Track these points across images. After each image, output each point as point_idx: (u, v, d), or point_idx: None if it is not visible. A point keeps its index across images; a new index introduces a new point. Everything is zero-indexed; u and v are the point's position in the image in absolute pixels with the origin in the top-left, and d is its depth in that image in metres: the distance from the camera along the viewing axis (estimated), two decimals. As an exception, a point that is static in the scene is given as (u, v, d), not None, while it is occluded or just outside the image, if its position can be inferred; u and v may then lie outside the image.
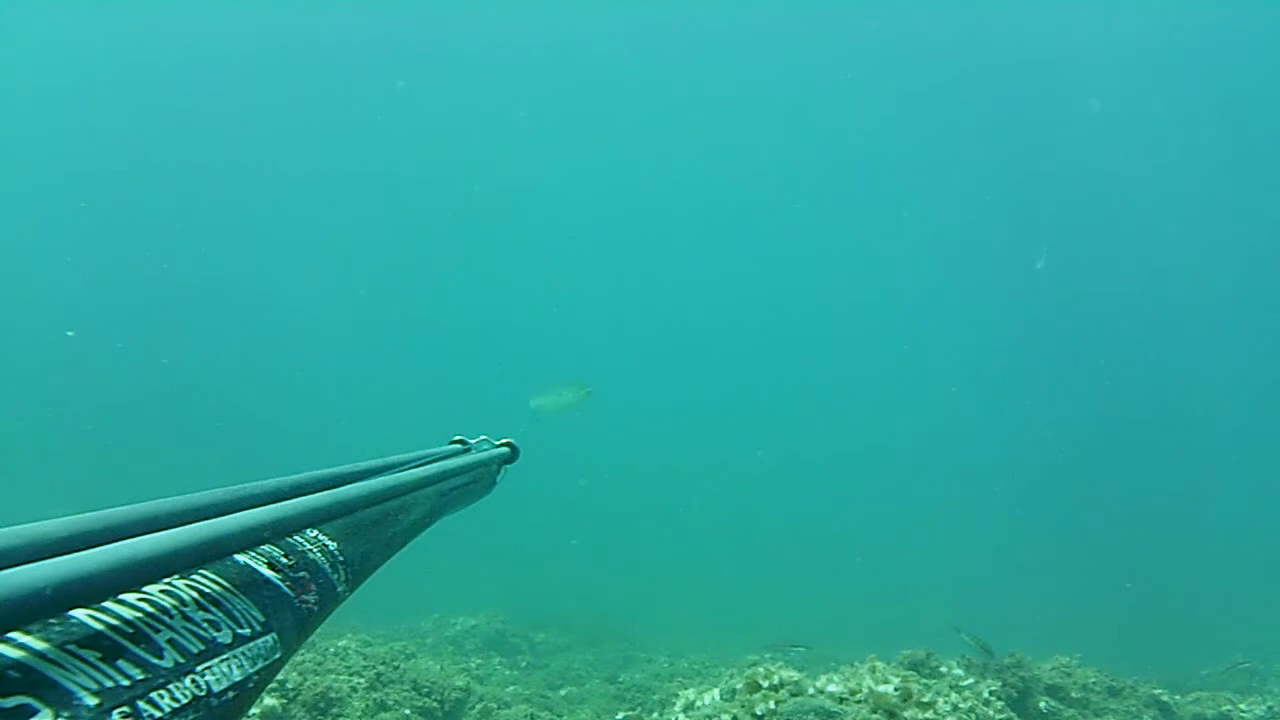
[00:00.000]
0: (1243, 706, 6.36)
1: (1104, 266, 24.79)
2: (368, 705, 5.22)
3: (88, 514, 0.60)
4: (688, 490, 22.50)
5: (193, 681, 0.52)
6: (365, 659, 5.86)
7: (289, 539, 0.74)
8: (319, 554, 0.76)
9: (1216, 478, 21.61)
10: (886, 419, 26.17)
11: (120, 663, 0.47)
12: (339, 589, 0.78)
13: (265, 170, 26.39)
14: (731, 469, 23.79)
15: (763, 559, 16.64)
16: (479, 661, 8.62)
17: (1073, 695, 5.56)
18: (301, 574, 0.72)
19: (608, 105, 26.49)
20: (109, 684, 0.46)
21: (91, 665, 0.45)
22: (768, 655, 6.77)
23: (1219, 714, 6.24)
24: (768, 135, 26.32)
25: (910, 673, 4.95)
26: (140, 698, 0.47)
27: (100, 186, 25.04)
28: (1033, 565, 16.29)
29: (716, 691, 5.17)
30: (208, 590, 0.59)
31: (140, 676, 0.48)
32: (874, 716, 3.98)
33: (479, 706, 5.95)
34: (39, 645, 0.44)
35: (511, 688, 7.58)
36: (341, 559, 0.80)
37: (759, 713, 4.15)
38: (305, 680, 5.08)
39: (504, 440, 1.52)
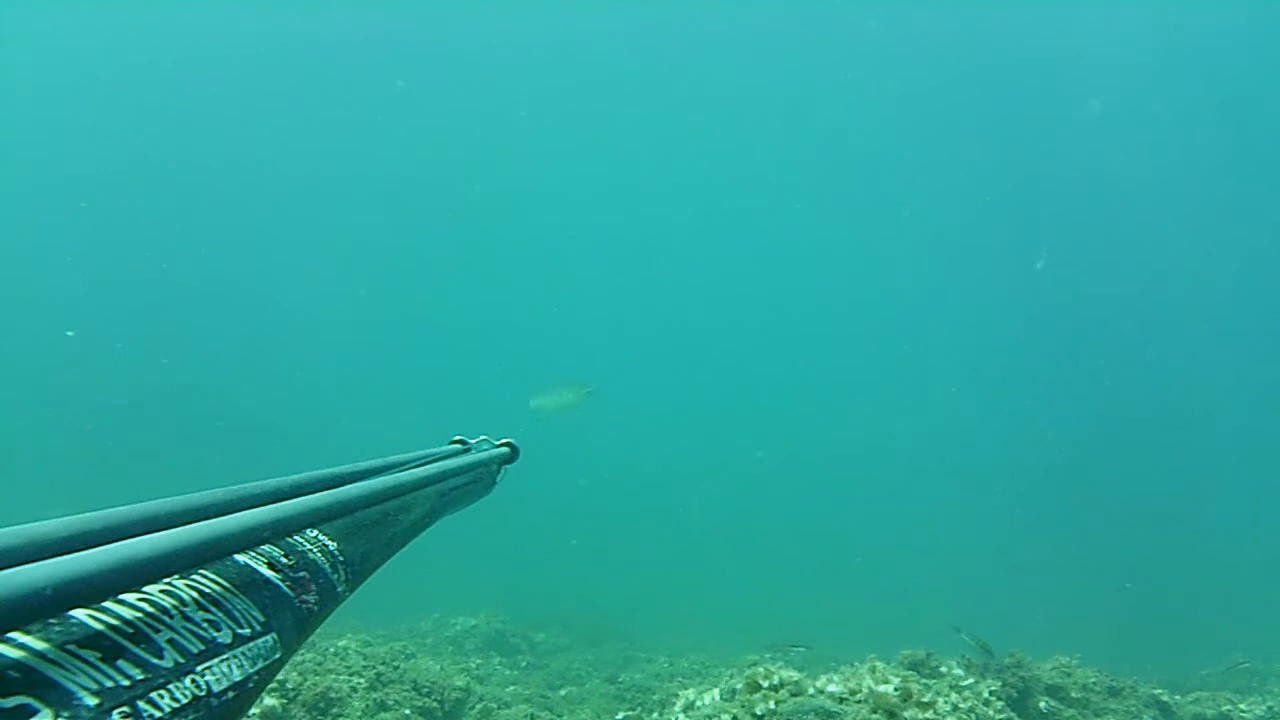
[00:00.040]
0: (1243, 706, 6.36)
1: (1104, 266, 24.80)
2: (368, 705, 5.22)
3: (88, 514, 0.60)
4: (688, 490, 22.51)
5: (193, 681, 0.52)
6: (365, 659, 5.86)
7: (289, 539, 0.74)
8: (319, 554, 0.76)
9: (1216, 478, 21.62)
10: (886, 419, 26.18)
11: (120, 663, 0.47)
12: (339, 589, 0.78)
13: (265, 170, 26.40)
14: (731, 469, 23.80)
15: (763, 559, 16.64)
16: (479, 661, 8.62)
17: (1073, 695, 5.56)
18: (301, 574, 0.72)
19: (608, 105, 26.49)
20: (109, 684, 0.46)
21: (91, 665, 0.45)
22: (768, 655, 6.77)
23: (1219, 714, 6.24)
24: (768, 135, 26.33)
25: (910, 673, 4.95)
26: (140, 698, 0.47)
27: (100, 186, 25.05)
28: (1033, 565, 16.29)
29: (716, 691, 5.17)
30: (208, 590, 0.59)
31: (140, 676, 0.48)
32: (874, 717, 3.98)
33: (479, 706, 5.95)
34: (39, 645, 0.44)
35: (511, 688, 7.58)
36: (341, 559, 0.80)
37: (759, 713, 4.15)
38: (305, 680, 5.08)
39: (504, 440, 1.52)
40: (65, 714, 0.42)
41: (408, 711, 5.31)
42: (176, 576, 0.58)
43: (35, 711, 0.41)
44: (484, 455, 1.39)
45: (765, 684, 4.36)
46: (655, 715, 6.17)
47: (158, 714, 0.47)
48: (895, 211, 26.34)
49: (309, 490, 0.85)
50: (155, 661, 0.50)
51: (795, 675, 4.43)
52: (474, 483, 1.30)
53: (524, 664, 8.82)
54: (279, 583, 0.68)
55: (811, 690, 4.30)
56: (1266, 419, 22.52)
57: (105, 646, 0.47)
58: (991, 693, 4.91)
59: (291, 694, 4.93)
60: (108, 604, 0.50)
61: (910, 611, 11.41)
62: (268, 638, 0.62)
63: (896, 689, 4.19)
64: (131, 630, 0.50)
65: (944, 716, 4.16)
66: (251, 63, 24.42)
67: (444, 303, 29.44)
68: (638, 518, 20.54)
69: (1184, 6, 20.11)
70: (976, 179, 25.45)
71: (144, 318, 25.15)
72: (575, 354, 29.33)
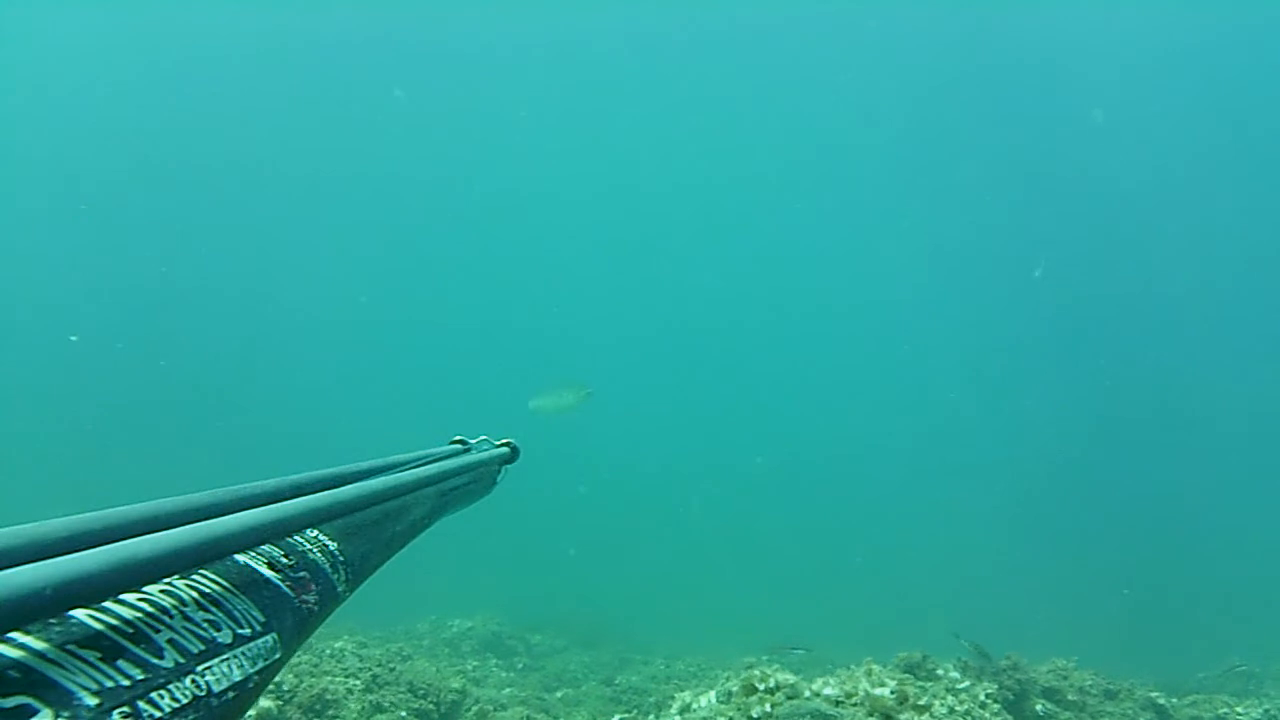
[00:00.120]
0: (1239, 709, 6.38)
1: (1103, 269, 24.90)
2: (364, 707, 5.20)
3: (88, 514, 0.60)
4: (687, 491, 22.51)
5: (193, 681, 0.52)
6: (361, 661, 5.84)
7: (289, 539, 0.74)
8: (319, 554, 0.76)
9: (1216, 478, 21.66)
10: (886, 422, 26.23)
11: (120, 663, 0.47)
12: (339, 589, 0.78)
13: (265, 171, 26.39)
14: (731, 471, 23.80)
15: (761, 561, 16.64)
16: (475, 663, 8.60)
17: (1069, 698, 5.57)
18: (302, 574, 0.71)
19: (607, 106, 26.52)
20: (109, 684, 0.45)
21: (91, 665, 0.45)
22: (765, 658, 6.77)
23: (1215, 717, 6.26)
24: (768, 137, 26.39)
25: (906, 675, 4.96)
26: (140, 698, 0.47)
27: (100, 188, 25.04)
28: (1031, 567, 16.32)
29: (713, 694, 5.17)
30: (208, 590, 0.59)
31: (140, 676, 0.48)
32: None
33: (475, 708, 5.94)
34: (39, 645, 0.44)
35: (508, 690, 7.57)
36: (342, 559, 0.79)
37: (755, 715, 4.14)
38: (301, 682, 5.07)
39: (504, 440, 1.52)
40: (65, 714, 0.42)
41: (404, 713, 5.30)
42: (176, 576, 0.57)
43: (35, 711, 0.41)
44: (484, 455, 1.39)
45: (761, 687, 4.36)
46: (651, 717, 6.16)
47: (158, 714, 0.47)
48: (896, 214, 26.41)
49: (309, 490, 0.85)
50: (155, 661, 0.50)
51: (791, 678, 4.43)
52: (474, 483, 1.30)
53: (520, 666, 8.81)
54: (279, 583, 0.67)
55: (807, 693, 4.30)
56: (1266, 420, 22.61)
57: (105, 646, 0.47)
58: (988, 695, 4.91)
59: (288, 696, 4.92)
60: (108, 604, 0.50)
61: (908, 614, 11.41)
62: (268, 638, 0.62)
63: (893, 692, 4.19)
64: (131, 630, 0.50)
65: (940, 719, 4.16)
66: (252, 64, 24.42)
67: (444, 303, 29.45)
68: (636, 519, 20.54)
69: (1187, 17, 20.23)
70: (977, 182, 25.54)
71: (144, 318, 25.13)
72: (575, 355, 29.34)
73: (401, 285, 28.62)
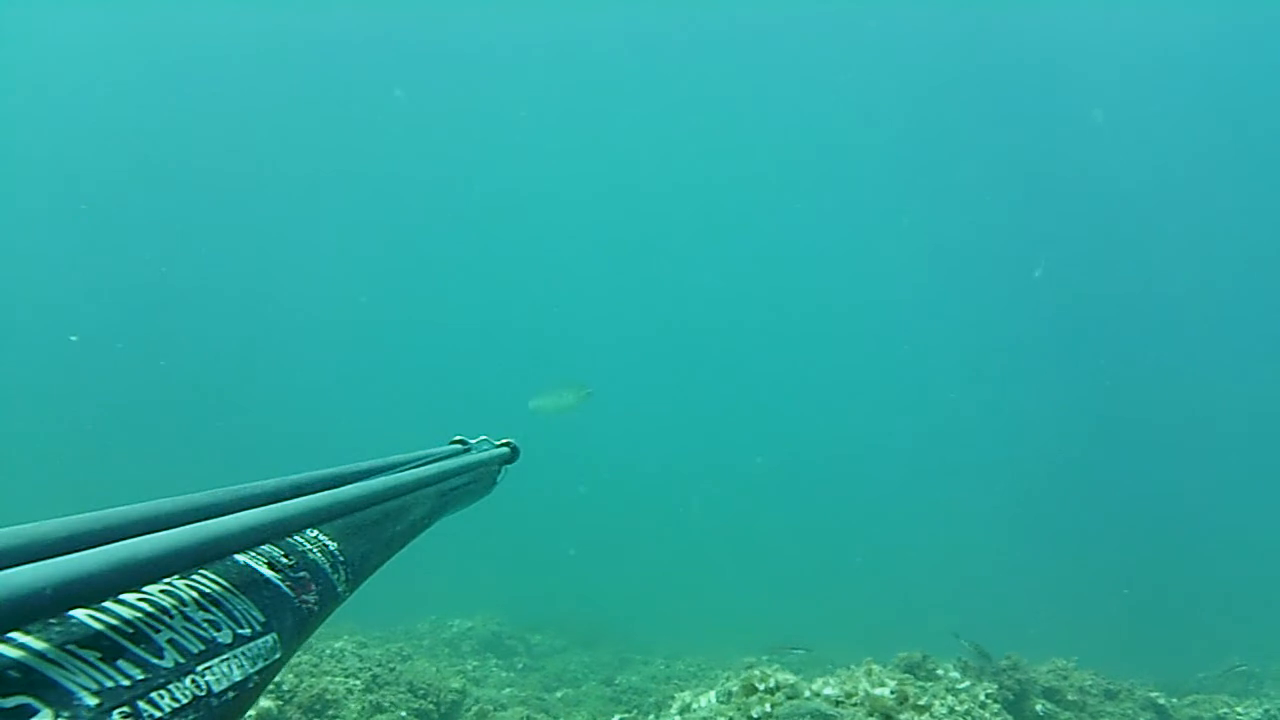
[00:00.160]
0: (1239, 709, 6.37)
1: (1103, 271, 24.91)
2: (364, 707, 5.20)
3: (88, 514, 0.60)
4: (687, 492, 22.51)
5: (193, 681, 0.52)
6: (361, 661, 5.84)
7: (289, 539, 0.74)
8: (319, 554, 0.76)
9: (1215, 479, 21.66)
10: (886, 423, 26.24)
11: (120, 663, 0.47)
12: (339, 589, 0.78)
13: (265, 172, 26.39)
14: (731, 471, 23.80)
15: (761, 561, 16.64)
16: (475, 663, 8.60)
17: (1069, 698, 5.57)
18: (302, 574, 0.71)
19: (607, 106, 26.52)
20: (109, 684, 0.46)
21: (91, 665, 0.45)
22: (765, 658, 6.77)
23: (1215, 717, 6.26)
24: (768, 138, 26.39)
25: (906, 675, 4.96)
26: (140, 698, 0.47)
27: (100, 188, 25.04)
28: (1031, 567, 16.32)
29: (713, 694, 5.17)
30: (208, 590, 0.59)
31: (140, 676, 0.48)
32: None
33: (475, 708, 5.94)
34: (39, 645, 0.44)
35: (507, 690, 7.57)
36: (342, 559, 0.79)
37: (754, 715, 4.14)
38: (301, 682, 5.07)
39: (504, 440, 1.52)
40: (65, 714, 0.42)
41: (404, 713, 5.30)
42: (176, 576, 0.57)
43: (35, 711, 0.41)
44: (484, 455, 1.39)
45: (761, 687, 4.36)
46: (651, 717, 6.16)
47: (158, 714, 0.47)
48: (896, 214, 26.41)
49: (309, 490, 0.85)
50: (155, 661, 0.50)
51: (791, 678, 4.43)
52: (474, 483, 1.30)
53: (520, 666, 8.81)
54: (279, 583, 0.67)
55: (807, 693, 4.30)
56: (1266, 420, 22.62)
57: (105, 646, 0.47)
58: (988, 695, 4.91)
59: (288, 696, 4.92)
60: (108, 604, 0.50)
61: (908, 613, 11.41)
62: (268, 638, 0.62)
63: (893, 692, 4.19)
64: (131, 630, 0.50)
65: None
66: (252, 64, 24.42)
67: (444, 303, 29.45)
68: (636, 519, 20.54)
69: (1188, 18, 20.23)
70: (977, 182, 25.54)
71: (144, 318, 25.14)
72: (575, 355, 29.34)
73: (401, 285, 28.63)
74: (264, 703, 4.64)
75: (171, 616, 0.53)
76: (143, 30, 22.79)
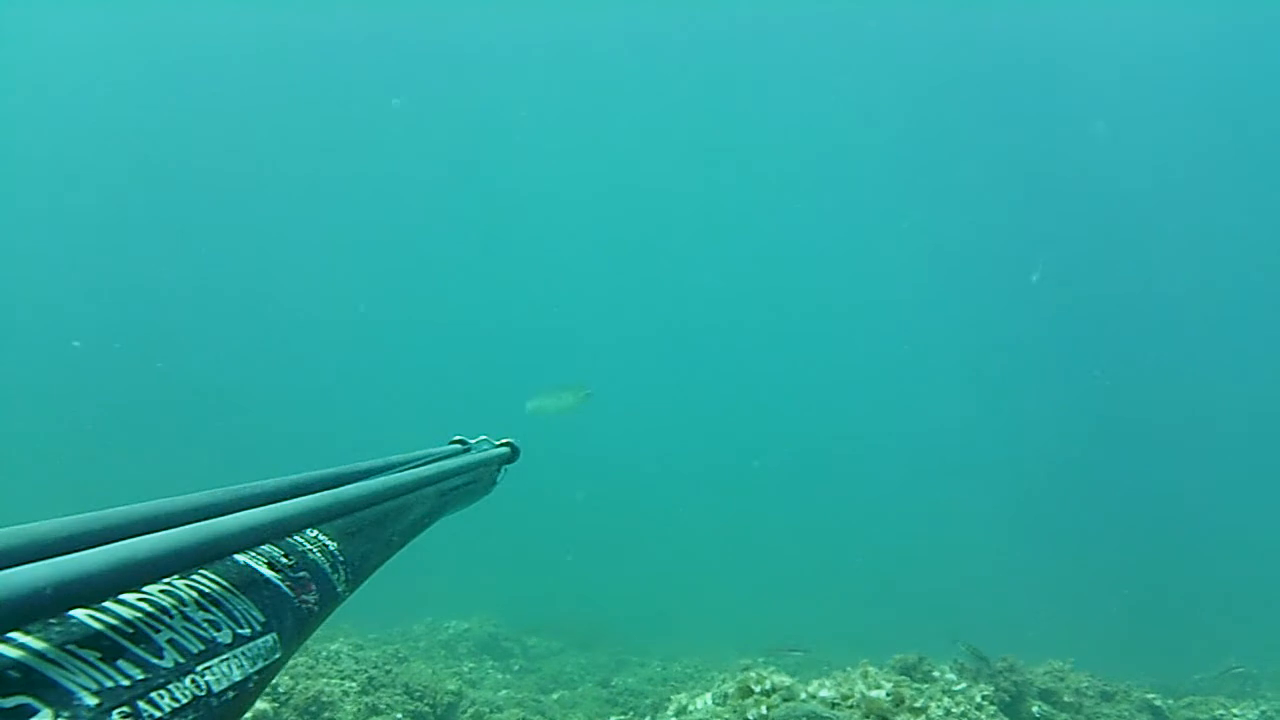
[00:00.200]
0: (1235, 711, 6.39)
1: (1103, 271, 24.97)
2: (360, 709, 5.19)
3: (88, 514, 0.60)
4: (686, 492, 22.50)
5: (193, 681, 0.52)
6: (357, 663, 5.83)
7: (289, 539, 0.74)
8: (319, 554, 0.76)
9: (1215, 479, 21.69)
10: (886, 423, 26.26)
11: (120, 663, 0.47)
12: (339, 589, 0.78)
13: (266, 173, 26.36)
14: (730, 472, 23.80)
15: (759, 562, 16.64)
16: (471, 665, 8.59)
17: (1065, 700, 5.57)
18: (301, 574, 0.71)
19: (607, 107, 26.54)
20: (109, 684, 0.46)
21: (91, 665, 0.45)
22: (762, 659, 6.77)
23: (1211, 718, 6.27)
24: (768, 139, 26.41)
25: (902, 678, 4.96)
26: (140, 698, 0.47)
27: (100, 188, 25.00)
28: (1030, 568, 16.33)
29: (709, 696, 5.16)
30: (208, 590, 0.59)
31: (140, 676, 0.48)
32: (868, 721, 3.99)
33: (471, 710, 5.94)
34: (39, 645, 0.44)
35: (504, 691, 7.56)
36: (341, 559, 0.80)
37: (750, 717, 4.14)
38: (297, 684, 5.06)
39: (504, 440, 1.52)
40: (65, 714, 0.42)
41: (400, 716, 5.29)
42: (176, 576, 0.57)
43: (35, 711, 0.41)
44: (484, 455, 1.39)
45: (757, 689, 4.36)
46: (648, 719, 6.16)
47: (158, 714, 0.47)
48: (896, 214, 26.44)
49: (309, 490, 0.86)
50: (155, 661, 0.50)
51: (787, 680, 4.43)
52: (474, 483, 1.30)
53: (516, 668, 8.80)
54: (279, 583, 0.68)
55: (804, 695, 4.30)
56: (1266, 420, 22.68)
57: (105, 646, 0.47)
58: (984, 697, 4.91)
59: (283, 698, 4.91)
60: (108, 604, 0.50)
61: (906, 615, 11.42)
62: (268, 638, 0.62)
63: (889, 694, 4.19)
64: (131, 630, 0.50)
65: (938, 721, 4.16)
66: (252, 65, 24.40)
67: (444, 303, 29.43)
68: (635, 519, 20.52)
69: (1190, 25, 20.32)
70: (977, 182, 25.59)
71: (143, 318, 25.10)
72: (575, 355, 29.34)
73: (401, 284, 28.61)
74: (260, 705, 4.63)
75: (171, 616, 0.54)
76: (143, 30, 22.76)
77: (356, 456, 1.06)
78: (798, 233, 28.64)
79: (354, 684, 5.42)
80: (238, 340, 26.19)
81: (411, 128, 26.52)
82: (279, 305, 27.42)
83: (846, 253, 28.67)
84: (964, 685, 5.20)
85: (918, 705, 4.11)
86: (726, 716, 4.35)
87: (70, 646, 0.45)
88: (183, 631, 0.53)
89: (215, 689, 0.54)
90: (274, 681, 4.79)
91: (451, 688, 5.95)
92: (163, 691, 0.49)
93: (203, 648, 0.54)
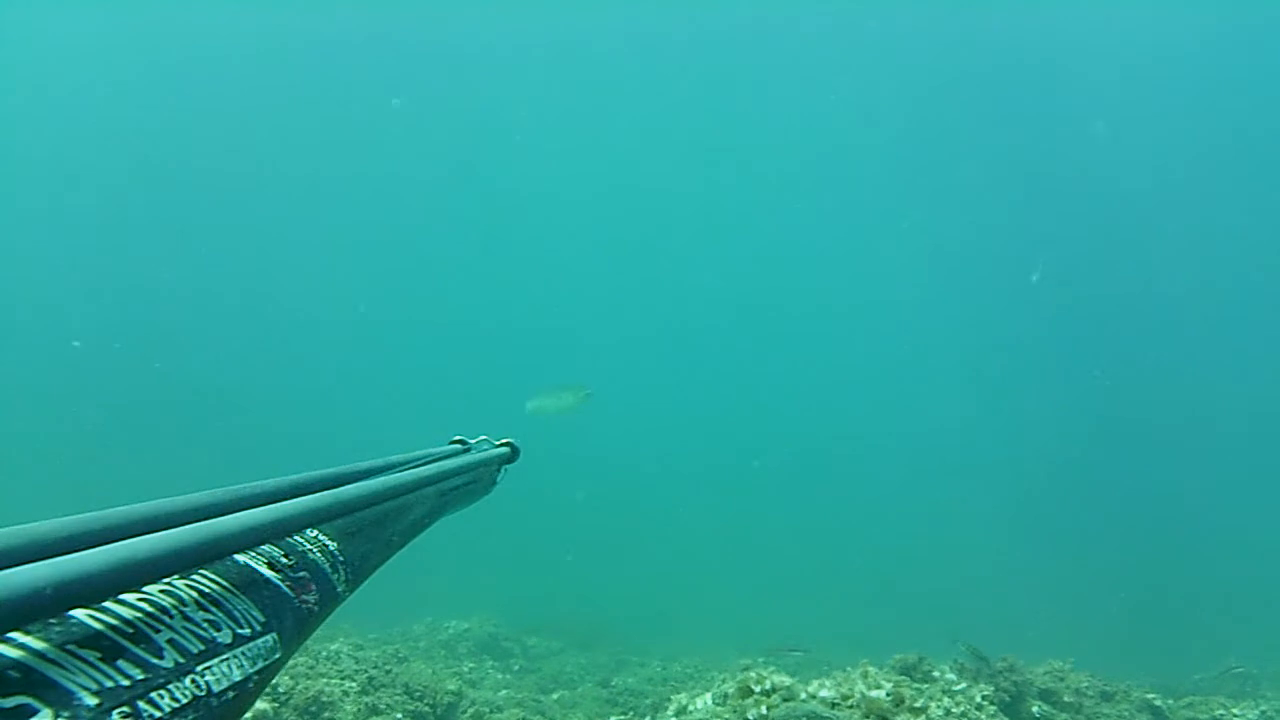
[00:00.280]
0: (1235, 711, 6.39)
1: (1103, 271, 24.97)
2: (360, 709, 5.19)
3: (88, 514, 0.60)
4: (686, 492, 22.50)
5: (193, 681, 0.52)
6: (357, 663, 5.83)
7: (289, 539, 0.74)
8: (319, 554, 0.76)
9: (1215, 479, 21.69)
10: (886, 423, 26.26)
11: (120, 663, 0.47)
12: (339, 589, 0.78)
13: (266, 173, 26.36)
14: (730, 472, 23.80)
15: (759, 562, 16.64)
16: (471, 665, 8.59)
17: (1065, 700, 5.57)
18: (301, 574, 0.72)
19: (608, 107, 26.54)
20: (109, 684, 0.46)
21: (91, 665, 0.45)
22: (762, 659, 6.77)
23: (1211, 718, 6.27)
24: (768, 139, 26.41)
25: (902, 678, 4.96)
26: (140, 698, 0.47)
27: (100, 189, 25.01)
28: (1030, 568, 16.33)
29: (709, 696, 5.16)
30: (208, 590, 0.59)
31: (140, 676, 0.48)
32: (868, 721, 3.99)
33: (471, 710, 5.94)
34: (39, 645, 0.44)
35: (504, 691, 7.56)
36: (341, 559, 0.80)
37: (750, 717, 4.14)
38: (297, 685, 5.06)
39: (504, 440, 1.52)
40: (65, 714, 0.42)
41: (400, 716, 5.29)
42: (176, 576, 0.57)
43: (35, 711, 0.41)
44: (484, 455, 1.39)
45: (757, 689, 4.36)
46: (647, 719, 6.16)
47: (158, 714, 0.47)
48: (896, 214, 26.44)
49: (309, 490, 0.86)
50: (155, 661, 0.50)
51: (787, 680, 4.43)
52: (474, 483, 1.30)
53: (516, 668, 8.80)
54: (279, 583, 0.68)
55: (803, 695, 4.30)
56: (1266, 420, 22.68)
57: (105, 646, 0.47)
58: (984, 697, 4.91)
59: (283, 698, 4.91)
60: (108, 604, 0.50)
61: (906, 615, 11.42)
62: (268, 638, 0.62)
63: (889, 694, 4.19)
64: (131, 630, 0.50)
65: (938, 721, 4.16)
66: (252, 65, 24.40)
67: (444, 303, 29.43)
68: (635, 519, 20.52)
69: (1185, 13, 20.31)
70: (977, 183, 25.59)
71: (143, 318, 25.10)
72: (575, 355, 29.34)
73: (401, 284, 28.61)
74: (260, 705, 4.63)
75: (171, 616, 0.54)
76: (143, 31, 22.76)
77: (356, 456, 1.06)
78: (798, 233, 28.64)
79: (354, 684, 5.42)
80: (237, 340, 26.18)
81: (411, 128, 26.51)
82: (279, 305, 27.41)
83: (846, 253, 28.67)
84: (964, 685, 5.20)
85: (918, 705, 4.11)
86: (726, 716, 4.35)
87: (70, 646, 0.45)
88: (183, 631, 0.53)
89: (215, 689, 0.54)
90: (274, 681, 4.79)
91: (451, 688, 5.95)
92: (163, 691, 0.49)
93: (203, 648, 0.54)
